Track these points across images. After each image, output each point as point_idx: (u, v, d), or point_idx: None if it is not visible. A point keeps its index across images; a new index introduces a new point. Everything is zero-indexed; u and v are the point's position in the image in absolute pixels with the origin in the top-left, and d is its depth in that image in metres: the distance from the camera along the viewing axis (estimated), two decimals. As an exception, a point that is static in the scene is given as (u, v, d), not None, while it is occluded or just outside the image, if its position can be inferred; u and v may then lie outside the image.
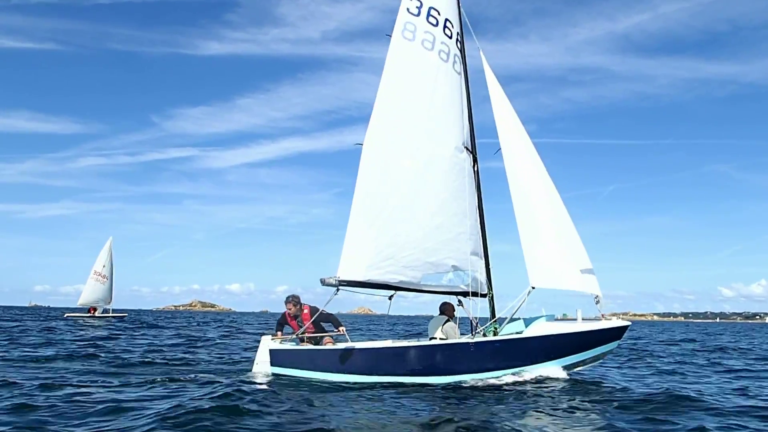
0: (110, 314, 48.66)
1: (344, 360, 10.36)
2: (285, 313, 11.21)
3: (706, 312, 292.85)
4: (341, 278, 10.41)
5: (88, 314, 47.16)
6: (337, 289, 10.47)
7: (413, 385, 9.87)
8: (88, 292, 47.36)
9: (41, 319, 45.53)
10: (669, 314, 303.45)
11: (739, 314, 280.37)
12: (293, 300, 11.12)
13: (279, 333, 11.09)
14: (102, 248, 48.87)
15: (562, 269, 10.84)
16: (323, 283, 10.34)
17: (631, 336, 30.46)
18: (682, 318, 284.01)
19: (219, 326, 39.70)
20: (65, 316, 48.00)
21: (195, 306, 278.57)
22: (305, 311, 11.06)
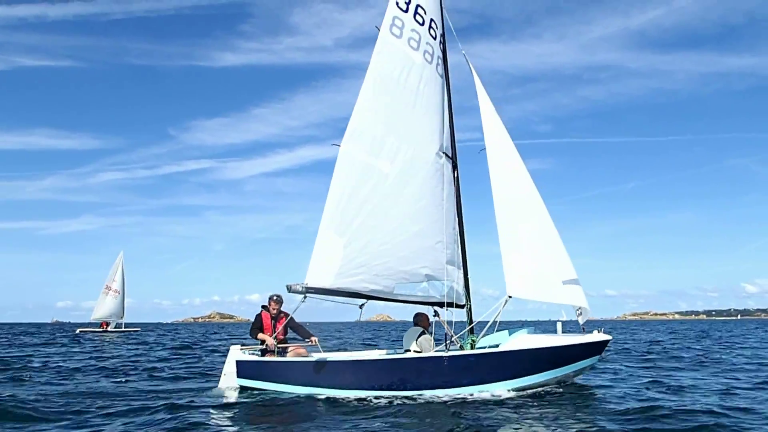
0: (123, 329, 49.14)
1: (314, 373, 9.94)
2: (262, 313, 10.71)
3: (730, 309, 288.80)
4: (309, 285, 9.98)
5: (101, 329, 47.65)
6: (305, 297, 10.00)
7: (386, 398, 9.51)
8: (100, 307, 47.77)
9: (47, 334, 46.05)
10: (691, 312, 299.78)
11: (764, 310, 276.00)
12: (278, 299, 10.72)
13: (268, 334, 10.52)
14: (114, 263, 49.48)
15: (541, 280, 10.49)
16: (289, 290, 9.91)
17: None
18: (704, 316, 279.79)
19: (229, 337, 39.95)
20: (77, 331, 48.39)
21: (214, 317, 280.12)
22: (282, 316, 10.68)
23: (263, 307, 10.84)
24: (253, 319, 10.91)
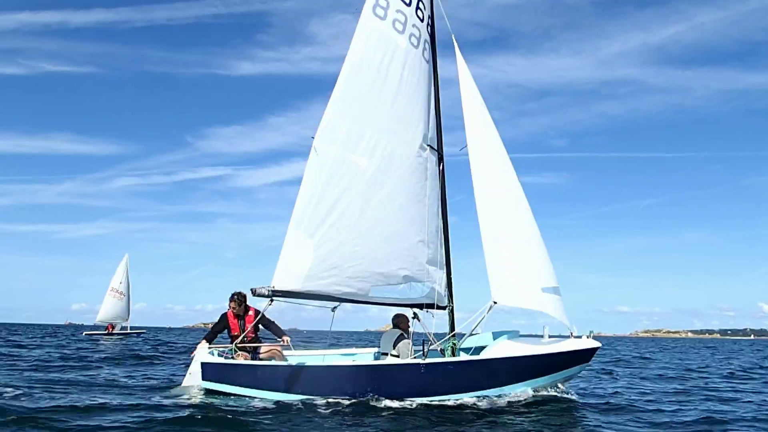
0: (128, 331, 49.23)
1: (285, 378, 9.41)
2: (227, 313, 10.14)
3: (746, 329, 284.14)
4: (276, 288, 9.43)
5: (106, 332, 47.76)
6: (271, 300, 9.47)
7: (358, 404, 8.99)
8: (105, 309, 47.70)
9: (51, 336, 46.30)
10: (705, 331, 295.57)
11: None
12: (237, 298, 10.02)
13: (236, 333, 9.99)
14: (119, 265, 49.60)
15: (523, 287, 9.95)
16: (254, 293, 9.38)
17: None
18: (718, 335, 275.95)
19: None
20: (84, 334, 48.58)
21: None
22: (250, 313, 10.09)
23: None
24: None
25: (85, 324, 49.31)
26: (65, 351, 21.54)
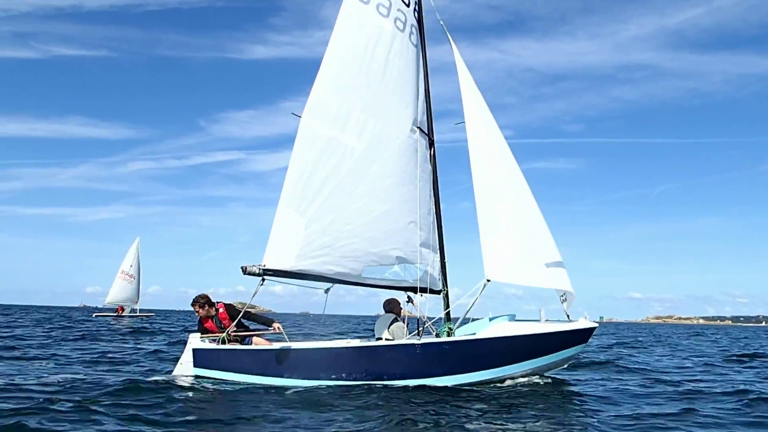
0: (137, 314, 49.78)
1: (276, 362, 9.29)
2: (200, 318, 9.97)
3: (758, 315, 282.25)
4: (266, 267, 9.28)
5: (116, 314, 48.34)
6: (263, 280, 9.34)
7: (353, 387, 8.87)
8: (115, 291, 48.28)
9: (62, 318, 46.88)
10: (717, 318, 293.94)
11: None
12: (198, 302, 9.80)
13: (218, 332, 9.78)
14: (130, 248, 50.09)
15: (522, 262, 9.81)
16: (244, 271, 9.25)
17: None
18: (730, 321, 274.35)
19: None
20: (94, 315, 49.15)
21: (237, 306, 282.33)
22: (221, 310, 9.89)
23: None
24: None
25: (98, 306, 49.92)
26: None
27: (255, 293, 9.64)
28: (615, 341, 27.02)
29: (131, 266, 49.03)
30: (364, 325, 35.89)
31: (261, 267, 9.28)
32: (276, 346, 9.66)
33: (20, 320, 32.46)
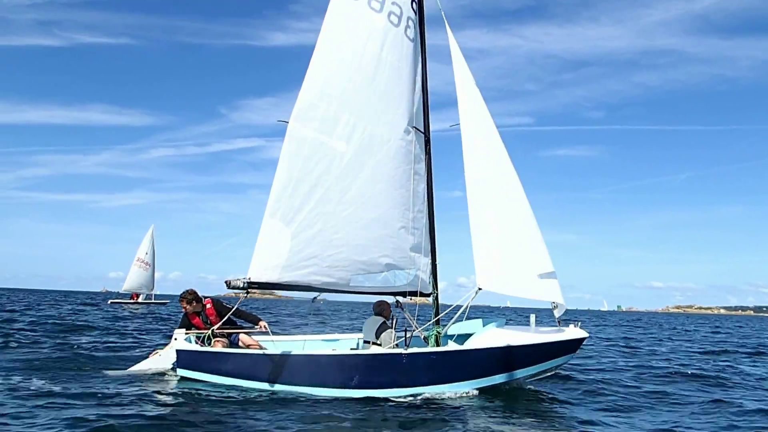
0: (152, 300, 50.51)
1: (259, 366, 9.22)
2: (187, 314, 9.93)
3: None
4: (251, 279, 9.18)
5: (131, 300, 49.15)
6: (247, 292, 9.25)
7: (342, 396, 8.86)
8: (132, 279, 49.00)
9: (76, 303, 47.59)
10: (739, 308, 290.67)
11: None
12: (186, 297, 9.76)
13: (204, 329, 9.77)
14: (145, 235, 50.69)
15: (514, 273, 9.69)
16: (229, 285, 9.13)
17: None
18: (752, 312, 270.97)
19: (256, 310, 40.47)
20: (109, 302, 49.95)
21: (254, 293, 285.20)
22: (208, 306, 9.84)
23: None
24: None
25: (120, 291, 50.82)
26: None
27: (239, 302, 9.67)
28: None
29: (146, 253, 49.63)
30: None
31: (245, 280, 9.17)
32: (260, 351, 9.62)
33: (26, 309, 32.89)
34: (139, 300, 49.27)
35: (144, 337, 16.43)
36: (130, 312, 35.03)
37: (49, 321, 21.08)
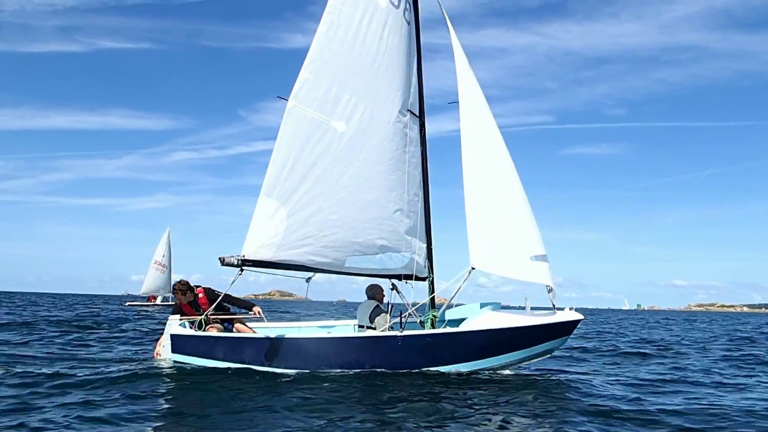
0: (169, 302, 51.06)
1: (255, 349, 9.17)
2: (179, 304, 9.80)
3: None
4: (245, 257, 8.99)
5: (148, 302, 49.72)
6: (241, 270, 9.07)
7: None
8: (149, 281, 49.44)
9: (89, 304, 48.01)
10: (763, 305, 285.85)
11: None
12: (180, 289, 9.59)
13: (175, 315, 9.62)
14: (161, 238, 51.34)
15: (507, 254, 9.74)
16: (222, 262, 8.95)
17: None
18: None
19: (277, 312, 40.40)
20: (126, 304, 50.56)
21: (273, 295, 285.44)
22: (200, 295, 9.69)
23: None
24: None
25: (142, 294, 51.66)
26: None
27: (233, 282, 9.36)
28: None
29: (163, 256, 50.05)
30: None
31: (239, 258, 8.99)
32: (255, 335, 9.59)
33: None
34: (157, 302, 49.79)
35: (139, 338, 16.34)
36: (145, 312, 35.55)
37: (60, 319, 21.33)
